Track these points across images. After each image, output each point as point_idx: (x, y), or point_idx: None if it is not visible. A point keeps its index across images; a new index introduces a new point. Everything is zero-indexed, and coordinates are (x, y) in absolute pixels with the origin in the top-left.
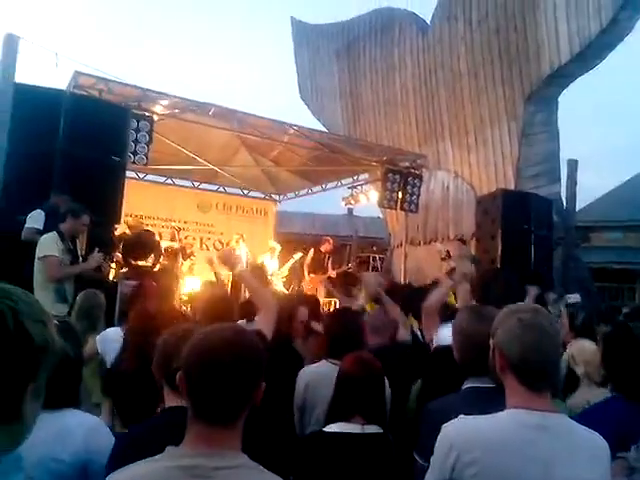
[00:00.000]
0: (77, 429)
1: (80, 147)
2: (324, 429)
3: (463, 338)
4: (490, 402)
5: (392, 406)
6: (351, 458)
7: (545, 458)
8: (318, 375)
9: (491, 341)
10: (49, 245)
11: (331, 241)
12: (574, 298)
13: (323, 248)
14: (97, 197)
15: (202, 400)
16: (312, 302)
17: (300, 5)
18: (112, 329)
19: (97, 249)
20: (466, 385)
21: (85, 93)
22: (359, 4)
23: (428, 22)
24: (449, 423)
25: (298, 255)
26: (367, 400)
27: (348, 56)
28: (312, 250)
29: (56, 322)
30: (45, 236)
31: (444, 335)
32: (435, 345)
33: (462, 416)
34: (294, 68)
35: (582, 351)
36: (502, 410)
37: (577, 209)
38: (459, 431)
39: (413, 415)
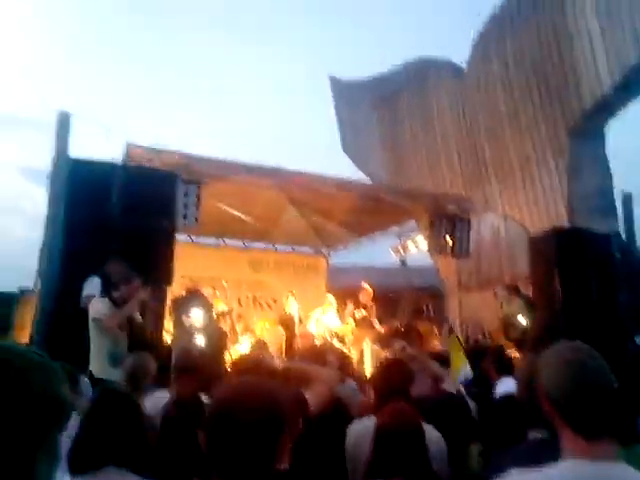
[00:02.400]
0: None
1: (133, 215)
2: None
3: (529, 384)
4: (550, 453)
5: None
6: None
7: None
8: (364, 430)
9: (538, 386)
10: (100, 307)
11: (368, 289)
12: None
13: (361, 298)
14: (150, 261)
15: (220, 460)
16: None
17: (332, 60)
18: (162, 392)
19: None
20: (529, 436)
21: (136, 163)
22: (392, 57)
23: (462, 66)
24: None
25: (359, 313)
26: (407, 457)
27: (387, 107)
28: (350, 304)
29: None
30: (96, 299)
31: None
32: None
33: (513, 472)
34: (334, 122)
35: None
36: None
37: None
38: None
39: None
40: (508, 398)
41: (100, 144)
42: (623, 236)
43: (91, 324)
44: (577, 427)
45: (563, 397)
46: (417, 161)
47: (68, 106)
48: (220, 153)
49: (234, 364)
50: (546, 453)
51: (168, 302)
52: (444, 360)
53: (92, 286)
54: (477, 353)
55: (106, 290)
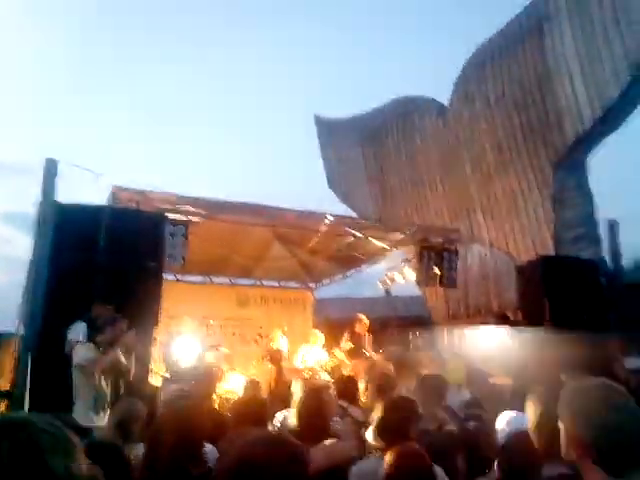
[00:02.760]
0: None
1: (119, 256)
2: None
3: (539, 423)
4: None
5: None
6: None
7: None
8: (366, 472)
9: (560, 424)
10: (84, 352)
11: (364, 320)
12: (635, 363)
13: (357, 328)
14: (136, 303)
15: None
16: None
17: (317, 99)
18: None
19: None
20: (546, 473)
21: (123, 205)
22: (377, 96)
23: (445, 104)
24: None
25: (347, 344)
26: None
27: (373, 144)
28: (346, 334)
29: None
30: (80, 344)
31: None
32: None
33: None
34: (319, 160)
35: None
36: None
37: (626, 268)
38: None
39: None
40: (520, 434)
41: (86, 190)
42: (609, 262)
43: (75, 370)
44: (612, 470)
45: (594, 437)
46: (402, 193)
47: (52, 151)
48: (207, 192)
49: (236, 410)
50: None
51: (155, 344)
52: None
53: (77, 331)
54: None
55: (91, 334)
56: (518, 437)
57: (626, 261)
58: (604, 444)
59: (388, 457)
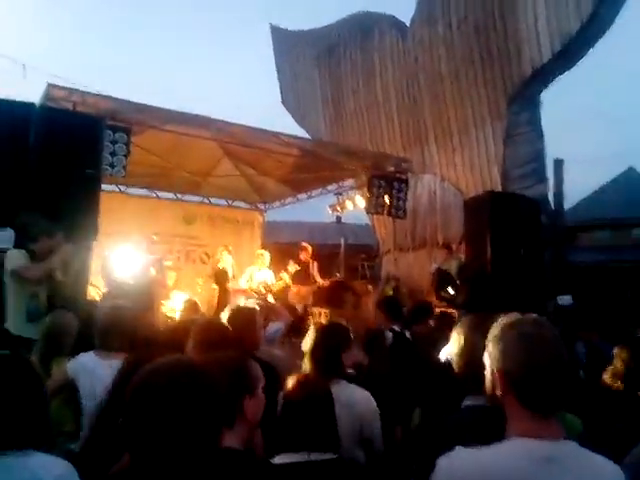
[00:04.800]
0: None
1: (52, 161)
2: (271, 460)
3: (462, 352)
4: (490, 422)
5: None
6: None
7: None
8: None
9: (485, 358)
10: (17, 259)
11: (308, 248)
12: (566, 300)
13: (302, 257)
14: (72, 212)
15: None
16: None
17: (277, 8)
18: (86, 355)
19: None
20: (465, 403)
21: (58, 106)
22: (337, 9)
23: (407, 25)
24: (444, 457)
25: (293, 267)
26: (311, 426)
27: (329, 62)
28: (291, 261)
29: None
30: (12, 251)
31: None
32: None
33: (458, 448)
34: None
35: None
36: (501, 432)
37: (565, 209)
38: (456, 466)
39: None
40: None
41: (16, 85)
42: (552, 200)
43: (7, 278)
44: (532, 405)
45: (519, 374)
46: (357, 118)
47: None
48: (150, 101)
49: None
50: (483, 421)
51: (94, 257)
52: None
53: (4, 238)
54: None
55: (21, 243)
56: (441, 367)
57: (567, 202)
58: (525, 380)
59: (289, 382)
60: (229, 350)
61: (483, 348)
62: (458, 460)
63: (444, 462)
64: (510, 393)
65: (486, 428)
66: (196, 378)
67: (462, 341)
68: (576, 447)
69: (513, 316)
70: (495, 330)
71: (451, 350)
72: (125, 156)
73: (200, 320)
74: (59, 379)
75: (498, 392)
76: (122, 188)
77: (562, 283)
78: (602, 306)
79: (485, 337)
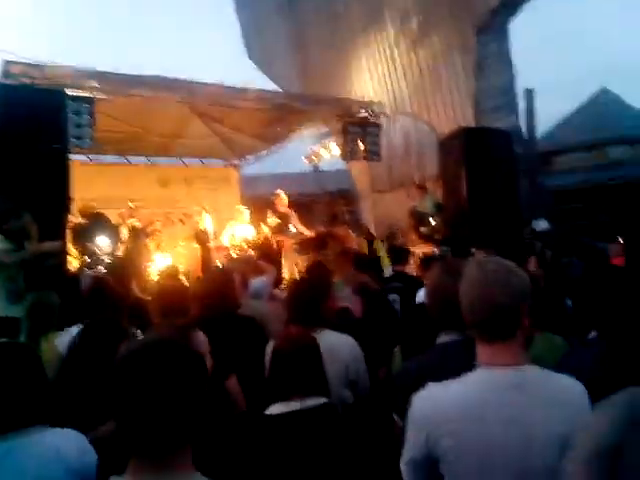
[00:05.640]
0: (70, 451)
1: (14, 140)
2: (265, 412)
3: (433, 292)
4: (460, 355)
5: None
6: (294, 437)
7: (523, 419)
8: None
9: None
10: None
11: (282, 196)
12: (542, 225)
13: (278, 207)
14: (41, 189)
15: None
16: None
17: None
18: (74, 328)
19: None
20: (439, 340)
21: (17, 82)
22: None
23: None
24: (418, 395)
25: (273, 220)
26: (301, 376)
27: (291, 8)
28: (269, 212)
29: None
30: None
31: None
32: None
33: (430, 384)
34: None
35: None
36: (473, 363)
37: (538, 136)
38: (429, 402)
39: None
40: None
41: None
42: (525, 130)
43: None
44: (485, 335)
45: (470, 307)
46: (325, 64)
47: None
48: (114, 66)
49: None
50: (455, 355)
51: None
52: (367, 263)
53: None
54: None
55: None
56: (415, 309)
57: (540, 129)
58: (476, 312)
59: (276, 336)
60: (179, 319)
61: (452, 287)
62: (429, 395)
63: (417, 399)
64: (472, 326)
65: (458, 362)
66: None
67: (433, 282)
68: (540, 371)
69: (476, 258)
70: (466, 270)
71: (425, 291)
72: (91, 126)
73: (157, 287)
74: (46, 357)
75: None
76: (92, 157)
77: (538, 209)
78: (580, 227)
79: (454, 277)
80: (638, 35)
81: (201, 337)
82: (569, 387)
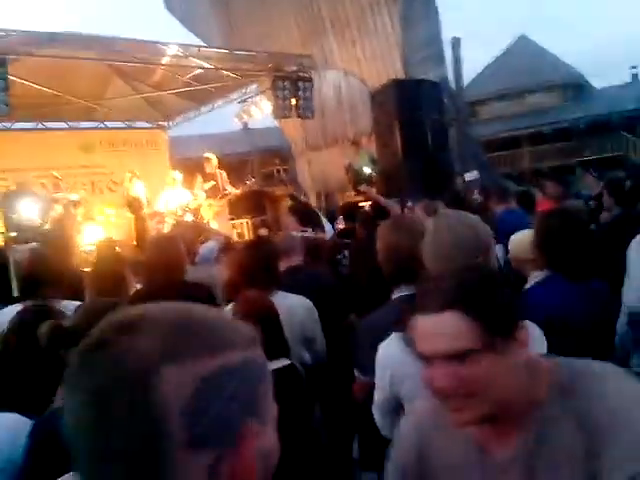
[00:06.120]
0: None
1: None
2: None
3: (383, 250)
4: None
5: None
6: None
7: None
8: None
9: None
10: None
11: (212, 158)
12: (471, 175)
13: (207, 169)
14: None
15: None
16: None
17: None
18: (12, 307)
19: None
20: (393, 296)
21: None
22: None
23: None
24: (383, 343)
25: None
26: (264, 339)
27: None
28: (199, 176)
29: None
30: None
31: None
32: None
33: (394, 334)
34: None
35: None
36: None
37: (464, 86)
38: (389, 349)
39: None
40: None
41: None
42: (452, 79)
43: None
44: None
45: (427, 262)
46: (252, 20)
47: None
48: (24, 25)
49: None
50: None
51: None
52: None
53: None
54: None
55: None
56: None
57: (468, 78)
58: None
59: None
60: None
61: (402, 243)
62: (387, 344)
63: (380, 349)
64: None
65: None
66: None
67: (385, 239)
68: None
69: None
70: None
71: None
72: (5, 90)
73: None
74: None
75: None
76: (8, 125)
77: (468, 158)
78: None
79: (401, 234)
80: None
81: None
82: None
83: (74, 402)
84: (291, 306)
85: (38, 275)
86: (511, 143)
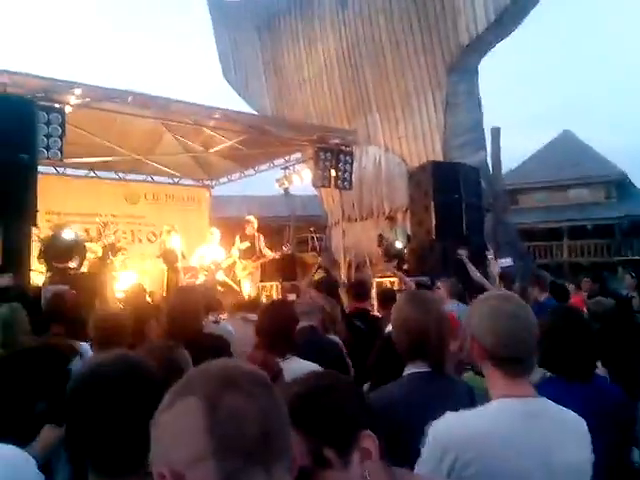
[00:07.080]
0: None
1: None
2: None
3: (401, 324)
4: (429, 386)
5: None
6: None
7: (541, 447)
8: None
9: (468, 331)
10: None
11: (253, 221)
12: (506, 262)
13: (247, 231)
14: (6, 199)
15: None
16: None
17: None
18: None
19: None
20: (406, 372)
21: None
22: None
23: None
24: (437, 422)
25: (244, 244)
26: None
27: (269, 31)
28: (238, 236)
29: None
30: None
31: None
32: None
33: (449, 413)
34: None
35: None
36: (443, 392)
37: (503, 173)
38: (451, 430)
39: None
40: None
41: None
42: (491, 166)
43: None
44: (506, 369)
45: (495, 343)
46: (301, 89)
47: None
48: (85, 79)
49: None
50: (428, 384)
51: (34, 244)
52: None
53: None
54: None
55: None
56: (383, 339)
57: (505, 167)
58: (499, 349)
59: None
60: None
61: (418, 318)
62: (451, 425)
63: (438, 429)
64: (487, 361)
65: (425, 393)
66: (141, 372)
67: (400, 313)
68: (547, 402)
69: (487, 293)
70: (472, 306)
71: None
72: (61, 137)
73: (96, 315)
74: None
75: (477, 360)
76: (61, 170)
77: (503, 244)
78: (541, 265)
79: (421, 308)
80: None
81: (186, 355)
82: (577, 420)
83: None
84: (302, 372)
85: (54, 313)
86: (550, 234)
